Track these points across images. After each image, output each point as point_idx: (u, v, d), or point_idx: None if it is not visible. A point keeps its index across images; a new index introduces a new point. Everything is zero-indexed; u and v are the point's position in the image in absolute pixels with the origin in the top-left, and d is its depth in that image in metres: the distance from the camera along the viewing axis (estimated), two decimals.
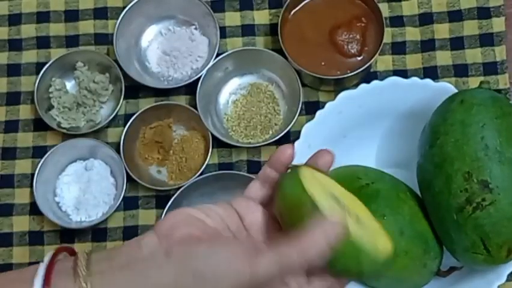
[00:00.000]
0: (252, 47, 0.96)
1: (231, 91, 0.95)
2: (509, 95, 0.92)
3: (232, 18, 0.97)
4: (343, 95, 0.86)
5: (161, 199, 0.91)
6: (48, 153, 0.90)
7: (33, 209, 0.91)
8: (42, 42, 0.97)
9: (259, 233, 0.59)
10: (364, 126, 0.86)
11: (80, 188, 0.91)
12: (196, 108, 0.91)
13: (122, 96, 0.92)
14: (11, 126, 0.95)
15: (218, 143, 0.91)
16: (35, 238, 0.91)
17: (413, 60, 0.94)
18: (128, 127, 0.91)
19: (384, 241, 0.58)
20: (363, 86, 0.86)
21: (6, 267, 0.90)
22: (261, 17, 0.97)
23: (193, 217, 0.56)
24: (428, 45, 0.95)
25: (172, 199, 0.87)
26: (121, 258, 0.54)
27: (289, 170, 0.59)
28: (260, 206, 0.60)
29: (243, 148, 0.92)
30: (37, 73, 0.94)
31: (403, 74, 0.93)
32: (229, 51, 0.93)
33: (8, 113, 0.95)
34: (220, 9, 0.97)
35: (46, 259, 0.56)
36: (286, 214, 0.57)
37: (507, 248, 0.72)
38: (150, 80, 0.95)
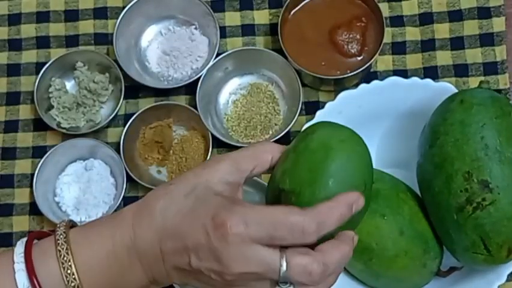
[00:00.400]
0: (252, 47, 0.96)
1: (231, 91, 0.95)
2: (509, 95, 0.92)
3: (232, 18, 0.97)
4: (343, 95, 0.86)
5: None
6: (48, 153, 0.90)
7: (33, 209, 0.91)
8: (42, 42, 0.97)
9: None
10: (364, 126, 0.85)
11: (80, 188, 0.91)
12: (196, 108, 0.91)
13: (122, 96, 0.92)
14: (11, 126, 0.95)
15: (218, 143, 0.91)
16: None
17: (413, 60, 0.94)
18: (128, 127, 0.91)
19: None
20: (363, 86, 0.86)
21: None
22: (261, 17, 0.97)
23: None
24: (428, 45, 0.94)
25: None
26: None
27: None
28: None
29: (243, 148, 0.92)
30: (37, 73, 0.94)
31: (403, 74, 0.93)
32: (229, 51, 0.93)
33: (8, 113, 0.95)
34: (220, 9, 0.97)
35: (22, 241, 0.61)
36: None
37: (507, 247, 0.72)
38: (150, 80, 0.95)
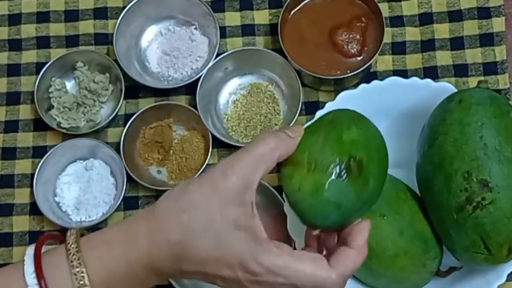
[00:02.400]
0: (252, 47, 0.96)
1: (231, 91, 0.95)
2: (509, 95, 0.92)
3: (232, 18, 0.97)
4: (343, 95, 0.86)
5: None
6: (48, 153, 0.90)
7: (33, 209, 0.91)
8: (42, 42, 0.97)
9: None
10: None
11: (80, 188, 0.91)
12: (196, 108, 0.91)
13: (122, 96, 0.92)
14: (11, 126, 0.95)
15: (218, 143, 0.91)
16: (35, 238, 0.91)
17: (413, 60, 0.94)
18: (128, 127, 0.91)
19: None
20: (363, 86, 0.86)
21: None
22: (261, 17, 0.97)
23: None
24: (428, 45, 0.94)
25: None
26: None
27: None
28: None
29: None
30: (37, 73, 0.94)
31: (403, 74, 0.93)
32: (229, 51, 0.93)
33: (8, 113, 0.95)
34: (220, 9, 0.97)
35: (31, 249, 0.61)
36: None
37: (507, 246, 0.72)
38: (150, 80, 0.95)
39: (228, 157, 0.62)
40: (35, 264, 0.60)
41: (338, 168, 0.63)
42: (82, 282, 0.59)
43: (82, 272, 0.59)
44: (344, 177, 0.63)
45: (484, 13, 0.95)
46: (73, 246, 0.60)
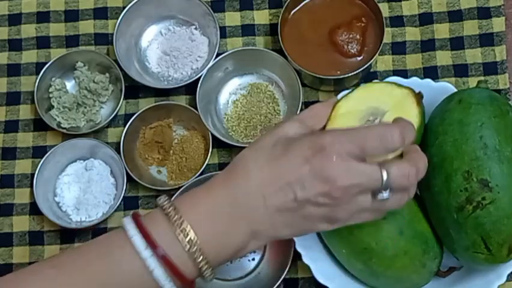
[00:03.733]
0: (252, 47, 0.96)
1: (231, 91, 0.95)
2: (509, 95, 0.92)
3: (232, 18, 0.97)
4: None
5: None
6: (48, 153, 0.90)
7: (33, 209, 0.91)
8: (42, 42, 0.97)
9: None
10: None
11: (80, 188, 0.91)
12: (196, 108, 0.91)
13: (122, 96, 0.92)
14: (11, 126, 0.95)
15: (218, 143, 0.91)
16: (35, 238, 0.91)
17: (413, 60, 0.94)
18: (128, 127, 0.91)
19: None
20: None
21: (6, 267, 0.90)
22: (261, 17, 0.97)
23: None
24: (428, 45, 0.94)
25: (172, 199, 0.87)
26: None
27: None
28: None
29: (243, 148, 0.91)
30: (37, 73, 0.94)
31: (403, 74, 0.93)
32: (229, 51, 0.93)
33: (8, 113, 0.95)
34: (220, 9, 0.97)
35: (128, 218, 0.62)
36: None
37: (508, 246, 0.72)
38: (150, 80, 0.95)
39: None
40: (141, 232, 0.60)
41: None
42: (186, 233, 0.60)
43: (183, 224, 0.60)
44: None
45: (484, 13, 0.95)
46: (166, 203, 0.62)
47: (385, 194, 0.62)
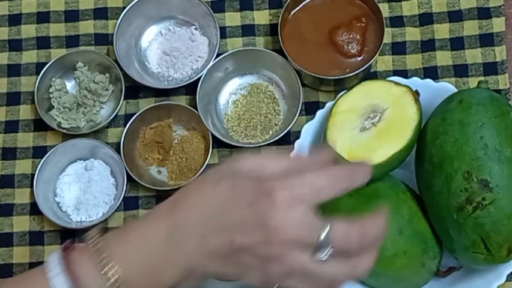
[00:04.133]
0: (252, 47, 0.96)
1: (231, 91, 0.95)
2: (509, 95, 0.92)
3: (232, 18, 0.97)
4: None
5: (161, 199, 0.90)
6: (49, 153, 0.90)
7: (34, 209, 0.91)
8: (43, 43, 0.97)
9: None
10: None
11: (80, 188, 0.91)
12: (196, 109, 0.91)
13: (123, 97, 0.92)
14: (11, 127, 0.95)
15: (218, 143, 0.91)
16: (35, 238, 0.91)
17: (413, 60, 0.94)
18: (129, 127, 0.91)
19: None
20: None
21: (7, 267, 0.90)
22: (261, 17, 0.97)
23: None
24: (428, 45, 0.94)
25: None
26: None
27: None
28: None
29: (243, 148, 0.92)
30: (37, 73, 0.94)
31: (403, 74, 0.93)
32: (229, 51, 0.93)
33: (8, 113, 0.95)
34: (220, 9, 0.97)
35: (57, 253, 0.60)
36: None
37: (507, 246, 0.72)
38: (150, 80, 0.95)
39: None
40: (68, 270, 0.59)
41: None
42: (116, 277, 0.58)
43: (110, 263, 0.59)
44: None
45: (484, 13, 0.95)
46: (95, 243, 0.60)
47: (322, 254, 0.56)
